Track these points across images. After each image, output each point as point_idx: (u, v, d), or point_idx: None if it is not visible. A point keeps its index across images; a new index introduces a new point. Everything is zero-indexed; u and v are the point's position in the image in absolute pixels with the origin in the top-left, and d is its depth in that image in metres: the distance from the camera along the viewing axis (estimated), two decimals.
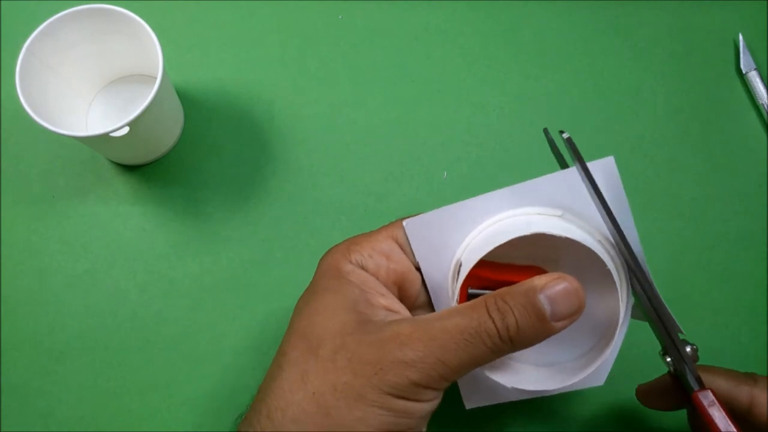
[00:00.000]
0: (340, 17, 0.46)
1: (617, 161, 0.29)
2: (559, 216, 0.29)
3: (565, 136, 0.28)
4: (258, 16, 0.46)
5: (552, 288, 0.26)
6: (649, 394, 0.33)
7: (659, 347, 0.30)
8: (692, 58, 0.45)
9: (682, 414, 0.33)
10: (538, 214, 0.29)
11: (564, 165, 0.31)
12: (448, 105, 0.44)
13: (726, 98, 0.45)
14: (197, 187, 0.42)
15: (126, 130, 0.37)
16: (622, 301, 0.28)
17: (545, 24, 0.46)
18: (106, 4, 0.38)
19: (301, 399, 0.26)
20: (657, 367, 0.31)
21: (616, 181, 0.29)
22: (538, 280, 0.26)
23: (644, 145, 0.44)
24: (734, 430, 0.27)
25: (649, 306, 0.28)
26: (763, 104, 0.44)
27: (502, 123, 0.44)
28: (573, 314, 0.26)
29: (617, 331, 0.28)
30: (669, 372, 0.30)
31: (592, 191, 0.28)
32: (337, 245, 0.30)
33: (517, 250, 0.30)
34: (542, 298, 0.26)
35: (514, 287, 0.27)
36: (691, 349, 0.29)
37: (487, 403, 0.37)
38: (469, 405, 0.37)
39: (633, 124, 0.44)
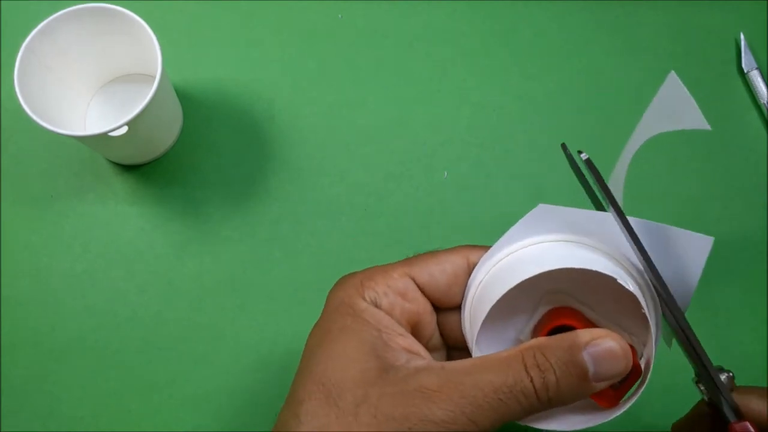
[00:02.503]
0: (340, 17, 0.46)
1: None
2: (588, 245, 0.27)
3: (584, 157, 0.26)
4: (258, 15, 0.46)
5: (598, 346, 0.24)
6: (685, 429, 0.31)
7: (686, 372, 0.28)
8: (693, 58, 0.45)
9: None
10: (559, 241, 0.27)
11: (583, 180, 0.29)
12: (448, 105, 0.44)
13: (727, 98, 0.45)
14: (196, 186, 0.42)
15: (125, 129, 0.37)
16: (655, 340, 0.26)
17: (545, 24, 0.46)
18: (104, 3, 0.37)
19: None
20: (684, 392, 0.30)
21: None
22: (582, 336, 0.24)
23: (644, 145, 0.44)
24: None
25: (682, 335, 0.26)
26: (764, 104, 0.44)
27: (502, 123, 0.44)
28: (617, 376, 0.24)
29: (650, 369, 0.26)
30: (703, 400, 0.28)
31: (625, 231, 0.26)
32: (348, 278, 0.28)
33: (535, 290, 0.28)
34: (586, 357, 0.24)
35: (553, 340, 0.24)
36: (727, 377, 0.27)
37: None
38: None
39: (633, 124, 0.44)
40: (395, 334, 0.26)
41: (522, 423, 0.26)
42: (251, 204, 0.42)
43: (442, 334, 0.30)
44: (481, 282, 0.28)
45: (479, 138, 0.44)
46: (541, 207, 0.27)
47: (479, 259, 0.28)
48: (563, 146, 0.29)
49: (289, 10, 0.46)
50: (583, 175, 0.29)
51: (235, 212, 0.42)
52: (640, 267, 0.27)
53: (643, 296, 0.26)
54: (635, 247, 0.26)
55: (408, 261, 0.28)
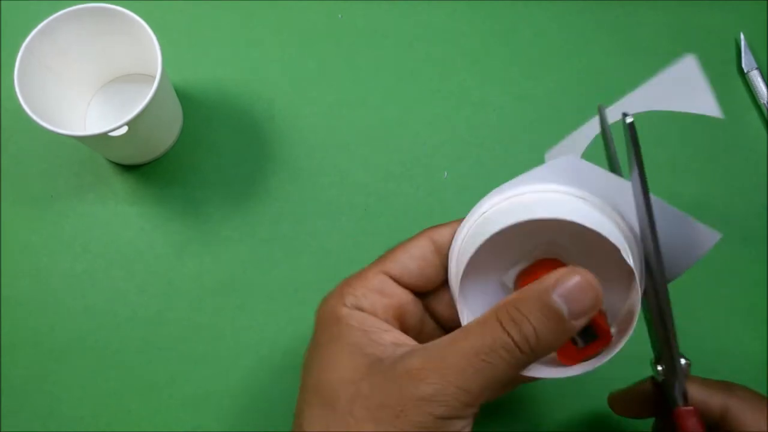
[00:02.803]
0: (340, 17, 0.46)
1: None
2: (578, 197, 0.27)
3: (628, 120, 0.26)
4: (258, 15, 0.46)
5: (565, 284, 0.24)
6: (623, 401, 0.32)
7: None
8: None
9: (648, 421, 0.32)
10: (551, 191, 0.27)
11: (609, 143, 0.29)
12: (448, 105, 0.44)
13: (727, 98, 0.45)
14: (196, 186, 0.42)
15: (125, 129, 0.37)
16: (639, 292, 0.26)
17: (545, 24, 0.46)
18: (104, 3, 0.37)
19: None
20: (626, 374, 0.31)
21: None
22: (548, 279, 0.24)
23: (644, 145, 0.43)
24: None
25: (656, 312, 0.27)
26: (764, 104, 0.44)
27: (502, 123, 0.44)
28: (591, 309, 0.24)
29: (634, 321, 0.26)
30: (652, 380, 0.29)
31: (640, 197, 0.26)
32: (330, 292, 0.29)
33: (520, 240, 0.28)
34: (556, 298, 0.24)
35: (524, 291, 0.25)
36: (686, 363, 0.28)
37: None
38: None
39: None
40: (380, 331, 0.27)
41: None
42: (251, 204, 0.42)
43: (437, 321, 0.30)
44: (466, 234, 0.28)
45: (479, 138, 0.44)
46: (564, 158, 0.27)
47: (441, 236, 0.28)
48: (600, 107, 0.29)
49: (289, 10, 0.46)
50: (610, 139, 0.29)
51: (235, 212, 0.42)
52: (638, 233, 0.27)
53: (632, 258, 0.26)
54: (645, 213, 0.26)
55: (379, 259, 0.29)
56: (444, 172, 0.43)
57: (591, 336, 0.26)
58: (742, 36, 0.45)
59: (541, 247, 0.28)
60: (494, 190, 0.28)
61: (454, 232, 0.28)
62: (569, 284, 0.24)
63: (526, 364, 0.24)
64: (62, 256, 0.41)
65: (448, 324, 0.30)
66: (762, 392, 0.30)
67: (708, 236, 0.28)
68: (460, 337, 0.25)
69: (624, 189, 0.27)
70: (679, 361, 0.28)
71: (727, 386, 0.30)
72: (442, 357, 0.24)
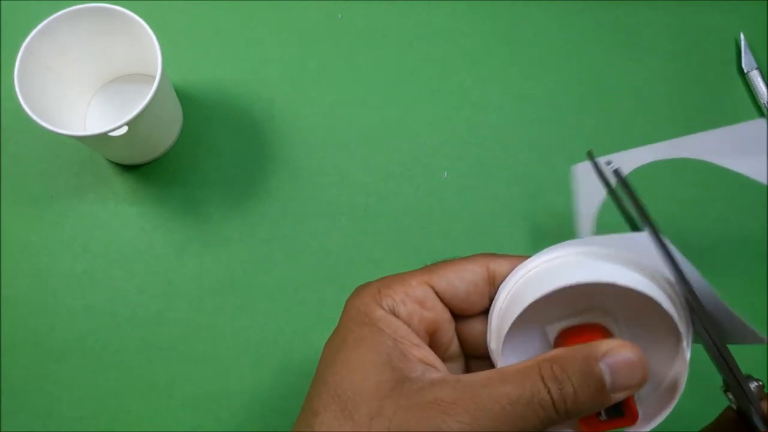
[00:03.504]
0: (339, 17, 0.46)
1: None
2: (625, 260, 0.26)
3: (612, 167, 0.26)
4: (257, 15, 0.46)
5: (614, 356, 0.24)
6: None
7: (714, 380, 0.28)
8: (693, 58, 0.45)
9: None
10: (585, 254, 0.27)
11: (607, 184, 0.29)
12: (448, 105, 0.44)
13: (727, 98, 0.45)
14: (196, 186, 0.42)
15: (125, 129, 0.37)
16: (687, 358, 0.26)
17: (545, 24, 0.46)
18: (104, 3, 0.37)
19: None
20: (710, 399, 0.29)
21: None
22: (599, 347, 0.24)
23: (644, 145, 0.44)
24: None
25: (711, 345, 0.26)
26: (764, 104, 0.44)
27: (502, 123, 0.44)
28: (635, 387, 0.24)
29: (681, 387, 0.26)
30: (731, 407, 0.28)
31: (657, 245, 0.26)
32: (365, 286, 0.28)
33: (566, 299, 0.27)
34: (603, 367, 0.23)
35: (570, 351, 0.24)
36: (757, 386, 0.26)
37: None
38: None
39: (633, 124, 0.44)
40: (411, 345, 0.26)
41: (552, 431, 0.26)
42: (251, 204, 0.42)
43: (460, 343, 0.29)
44: (511, 290, 0.27)
45: (479, 138, 0.44)
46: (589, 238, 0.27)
47: (499, 267, 0.28)
48: (590, 154, 0.29)
49: (289, 10, 0.46)
50: (607, 180, 0.29)
51: (235, 212, 0.42)
52: (672, 280, 0.26)
53: (678, 315, 0.26)
54: (668, 260, 0.25)
55: (426, 269, 0.28)
56: (444, 172, 0.43)
57: (617, 412, 0.25)
58: (742, 36, 0.45)
59: (590, 307, 0.27)
60: (554, 246, 0.28)
61: (513, 267, 0.28)
62: (619, 358, 0.24)
63: (555, 423, 0.24)
64: (62, 256, 0.41)
65: (473, 351, 0.29)
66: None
67: (752, 336, 0.27)
68: (496, 378, 0.24)
69: (644, 240, 0.27)
70: (749, 386, 0.26)
71: None
72: (475, 396, 0.23)
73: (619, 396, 0.24)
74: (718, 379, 0.27)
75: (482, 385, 0.24)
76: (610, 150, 0.43)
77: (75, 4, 0.37)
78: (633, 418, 0.26)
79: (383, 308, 0.26)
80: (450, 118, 0.44)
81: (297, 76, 0.45)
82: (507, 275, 0.28)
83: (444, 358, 0.28)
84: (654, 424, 0.26)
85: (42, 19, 0.37)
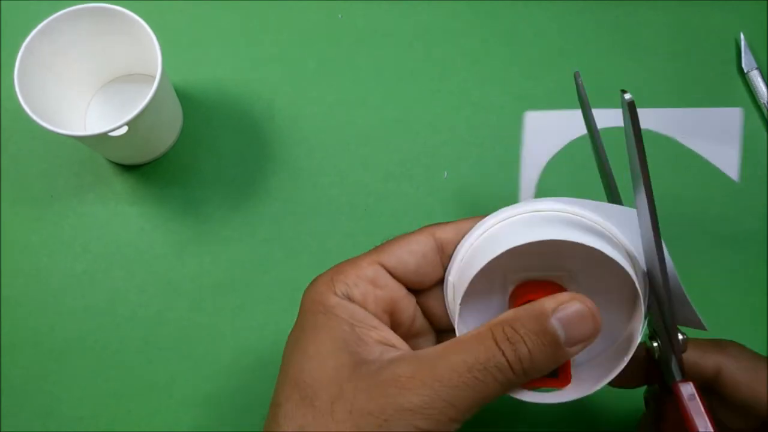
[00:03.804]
0: (339, 17, 0.46)
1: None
2: (589, 220, 0.26)
3: (627, 98, 0.24)
4: (257, 15, 0.46)
5: (565, 310, 0.24)
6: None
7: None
8: (693, 58, 0.45)
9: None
10: (553, 211, 0.27)
11: (586, 112, 0.29)
12: (448, 105, 0.44)
13: (727, 98, 0.45)
14: (196, 186, 0.42)
15: (124, 129, 0.37)
16: (644, 318, 0.26)
17: (545, 24, 0.46)
18: (104, 3, 0.37)
19: None
20: None
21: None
22: (548, 302, 0.24)
23: (644, 145, 0.43)
24: (711, 430, 0.25)
25: (660, 287, 0.26)
26: (764, 104, 0.44)
27: (502, 123, 0.44)
28: (589, 338, 0.24)
29: (636, 342, 0.26)
30: (646, 350, 0.28)
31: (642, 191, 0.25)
32: (319, 276, 0.28)
33: (529, 253, 0.26)
34: (555, 323, 0.23)
35: (520, 311, 0.24)
36: (683, 339, 0.27)
37: None
38: None
39: None
40: (369, 328, 0.26)
41: (511, 394, 0.26)
42: (251, 204, 0.42)
43: (427, 318, 0.29)
44: (463, 258, 0.27)
45: (479, 138, 0.44)
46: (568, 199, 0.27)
47: (444, 234, 0.28)
48: (576, 75, 0.29)
49: (289, 10, 0.46)
50: (589, 110, 0.28)
51: (235, 212, 0.42)
52: (642, 262, 0.26)
53: (635, 275, 0.26)
54: (651, 219, 0.25)
55: (375, 249, 0.28)
56: (444, 172, 0.43)
57: (552, 372, 0.25)
58: (742, 36, 0.45)
59: (547, 268, 0.27)
60: (502, 209, 0.28)
61: (458, 233, 0.28)
62: (569, 311, 0.24)
63: (515, 385, 0.24)
64: (62, 256, 0.41)
65: (441, 323, 0.29)
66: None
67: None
68: (452, 349, 0.24)
69: (628, 216, 0.26)
70: (677, 336, 0.27)
71: (719, 345, 0.29)
72: (433, 368, 0.23)
73: (575, 349, 0.24)
74: None
75: (439, 357, 0.24)
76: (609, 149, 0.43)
77: (75, 4, 0.37)
78: (565, 381, 0.26)
79: (337, 295, 0.26)
80: (450, 118, 0.44)
81: (297, 76, 0.45)
82: (453, 242, 0.28)
83: (410, 335, 0.29)
84: (609, 378, 0.26)
85: (42, 19, 0.37)
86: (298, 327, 0.27)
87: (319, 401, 0.24)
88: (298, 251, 0.41)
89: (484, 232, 0.27)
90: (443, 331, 0.30)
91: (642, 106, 0.46)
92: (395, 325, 0.28)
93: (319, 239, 0.41)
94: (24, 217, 0.42)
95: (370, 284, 0.27)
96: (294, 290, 0.41)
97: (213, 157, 0.43)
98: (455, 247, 0.28)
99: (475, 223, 0.28)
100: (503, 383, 0.23)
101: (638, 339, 0.26)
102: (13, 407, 0.38)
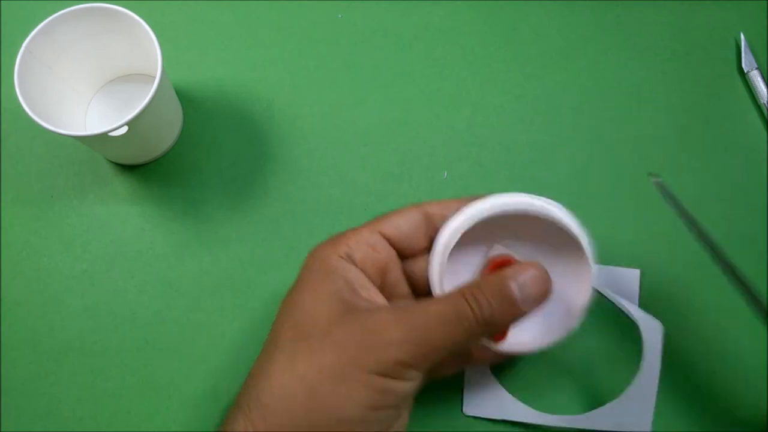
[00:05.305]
0: (339, 17, 0.46)
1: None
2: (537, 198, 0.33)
3: (655, 180, 0.34)
4: (257, 15, 0.46)
5: (521, 275, 0.29)
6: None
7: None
8: (693, 58, 0.45)
9: None
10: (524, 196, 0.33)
11: (682, 211, 0.34)
12: (448, 105, 0.44)
13: (727, 98, 0.45)
14: (196, 186, 0.42)
15: (124, 129, 0.37)
16: (594, 277, 0.32)
17: (545, 24, 0.46)
18: (104, 3, 0.37)
19: (289, 380, 0.28)
20: None
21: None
22: (508, 270, 0.29)
23: (644, 145, 0.44)
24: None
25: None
26: (764, 104, 0.44)
27: (502, 123, 0.44)
28: (541, 297, 0.29)
29: (589, 292, 0.32)
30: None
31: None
32: (321, 243, 0.33)
33: (496, 230, 0.34)
34: (512, 284, 0.29)
35: (486, 278, 0.29)
36: (658, 181, 0.36)
37: (487, 416, 0.36)
38: (468, 411, 0.37)
39: (633, 124, 0.44)
40: (360, 286, 0.31)
41: (489, 346, 0.32)
42: (251, 204, 0.42)
43: (409, 283, 0.34)
44: (451, 228, 0.32)
45: (479, 138, 0.44)
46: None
47: (432, 208, 0.33)
48: (659, 183, 0.36)
49: (289, 10, 0.46)
50: (681, 206, 0.34)
51: (235, 212, 0.42)
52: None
53: (582, 238, 0.32)
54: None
55: (373, 221, 0.33)
56: (444, 172, 0.43)
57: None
58: (742, 36, 0.45)
59: (508, 242, 0.34)
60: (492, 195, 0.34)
61: (444, 207, 0.33)
62: (525, 276, 0.29)
63: (478, 335, 0.29)
64: (62, 256, 0.41)
65: (421, 289, 0.34)
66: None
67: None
68: (427, 303, 0.29)
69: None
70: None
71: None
72: (411, 315, 0.28)
73: (529, 307, 0.29)
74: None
75: (417, 307, 0.29)
76: (609, 148, 0.43)
77: (75, 4, 0.37)
78: (502, 336, 0.32)
79: (341, 256, 0.31)
80: (450, 118, 0.44)
81: (297, 77, 0.45)
82: (440, 215, 0.33)
83: (393, 295, 0.33)
84: (569, 332, 0.32)
85: (42, 19, 0.37)
86: (298, 280, 0.32)
87: (312, 337, 0.29)
88: (298, 251, 0.41)
89: (468, 218, 0.32)
90: (421, 295, 0.34)
91: (642, 106, 0.47)
92: (383, 286, 0.33)
93: (319, 239, 0.41)
94: (24, 217, 0.42)
95: (369, 248, 0.32)
96: None
97: (213, 157, 0.43)
98: (441, 220, 0.33)
99: (460, 204, 0.33)
100: (467, 330, 0.28)
101: (588, 300, 0.32)
102: (13, 407, 0.38)
